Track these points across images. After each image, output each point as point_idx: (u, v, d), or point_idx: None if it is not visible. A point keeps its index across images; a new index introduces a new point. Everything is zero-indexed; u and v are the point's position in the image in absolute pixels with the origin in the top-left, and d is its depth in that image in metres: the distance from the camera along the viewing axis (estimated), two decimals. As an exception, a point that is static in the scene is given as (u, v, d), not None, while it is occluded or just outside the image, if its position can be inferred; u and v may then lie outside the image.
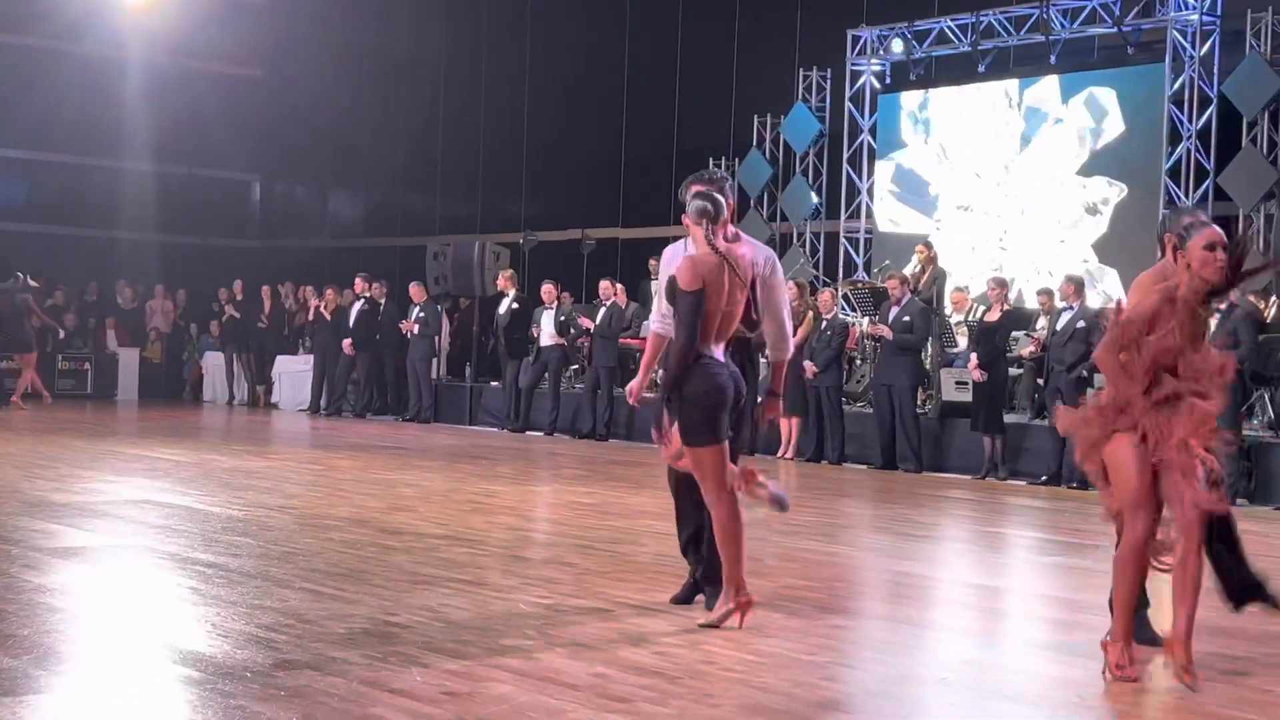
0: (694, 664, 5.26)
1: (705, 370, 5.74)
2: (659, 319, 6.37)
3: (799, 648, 5.63)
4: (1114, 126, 17.49)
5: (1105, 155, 17.56)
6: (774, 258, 6.39)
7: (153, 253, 26.06)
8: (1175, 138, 16.90)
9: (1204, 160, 16.75)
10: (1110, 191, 17.48)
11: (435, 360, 19.93)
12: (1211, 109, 16.67)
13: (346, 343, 20.02)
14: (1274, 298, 14.37)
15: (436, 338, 19.77)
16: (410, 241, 25.80)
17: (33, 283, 20.19)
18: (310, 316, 21.27)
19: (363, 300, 20.24)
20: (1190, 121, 16.80)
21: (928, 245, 16.89)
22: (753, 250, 6.14)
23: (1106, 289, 16.90)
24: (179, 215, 27.41)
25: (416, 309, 19.63)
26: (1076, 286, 13.62)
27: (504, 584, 6.78)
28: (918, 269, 16.50)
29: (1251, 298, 13.45)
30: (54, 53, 25.96)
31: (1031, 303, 15.44)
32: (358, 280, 20.47)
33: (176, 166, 27.63)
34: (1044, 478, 13.49)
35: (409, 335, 19.60)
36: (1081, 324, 13.18)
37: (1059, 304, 13.88)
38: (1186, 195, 16.67)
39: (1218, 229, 5.42)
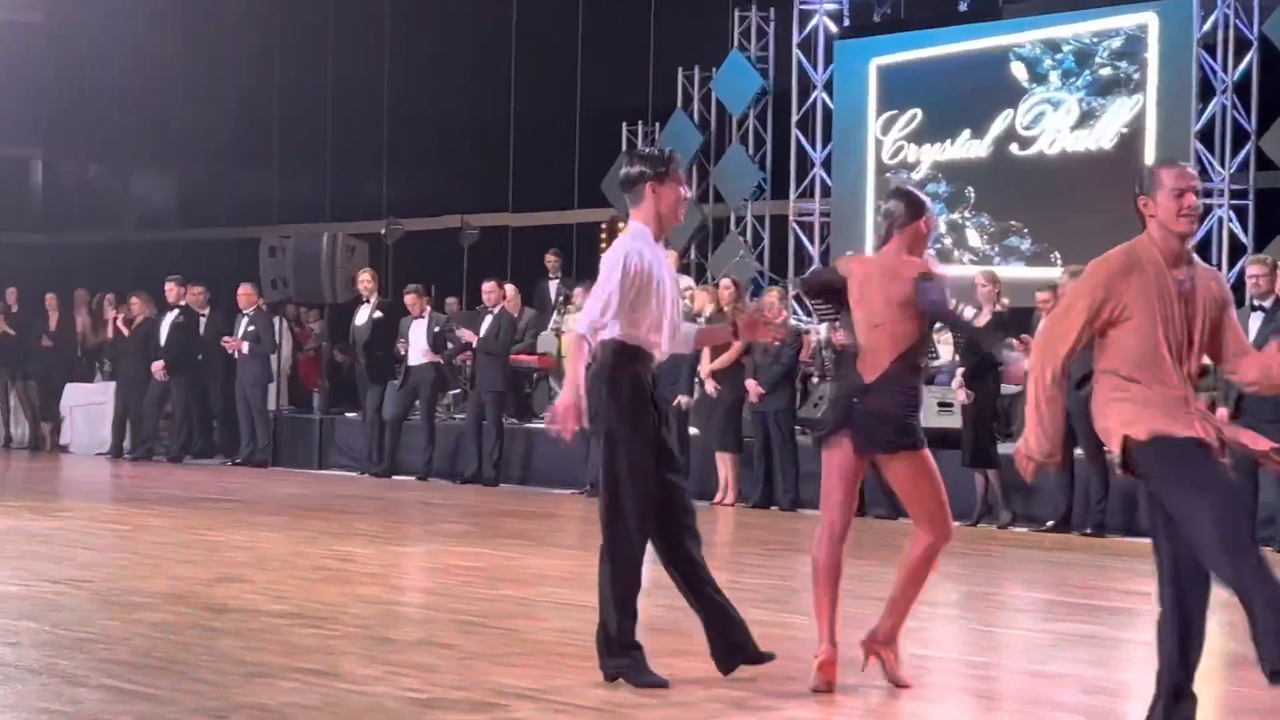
0: (609, 772, 5.25)
1: None
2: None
3: (743, 748, 5.62)
4: (1134, 80, 17.73)
5: (1119, 116, 17.80)
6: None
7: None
8: (1207, 92, 17.15)
9: (1243, 119, 17.02)
10: (1128, 162, 17.71)
11: (272, 386, 19.77)
12: (1251, 55, 16.94)
13: (157, 365, 19.83)
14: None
15: (273, 357, 19.62)
16: (240, 233, 25.61)
17: None
18: (110, 333, 21.03)
19: (177, 311, 20.05)
20: (1225, 71, 17.06)
21: None
22: None
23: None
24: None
25: (246, 320, 19.47)
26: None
27: (364, 674, 6.73)
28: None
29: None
30: None
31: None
32: (170, 284, 20.28)
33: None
34: (1050, 523, 13.61)
35: (237, 355, 19.44)
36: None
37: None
38: (1221, 164, 16.94)
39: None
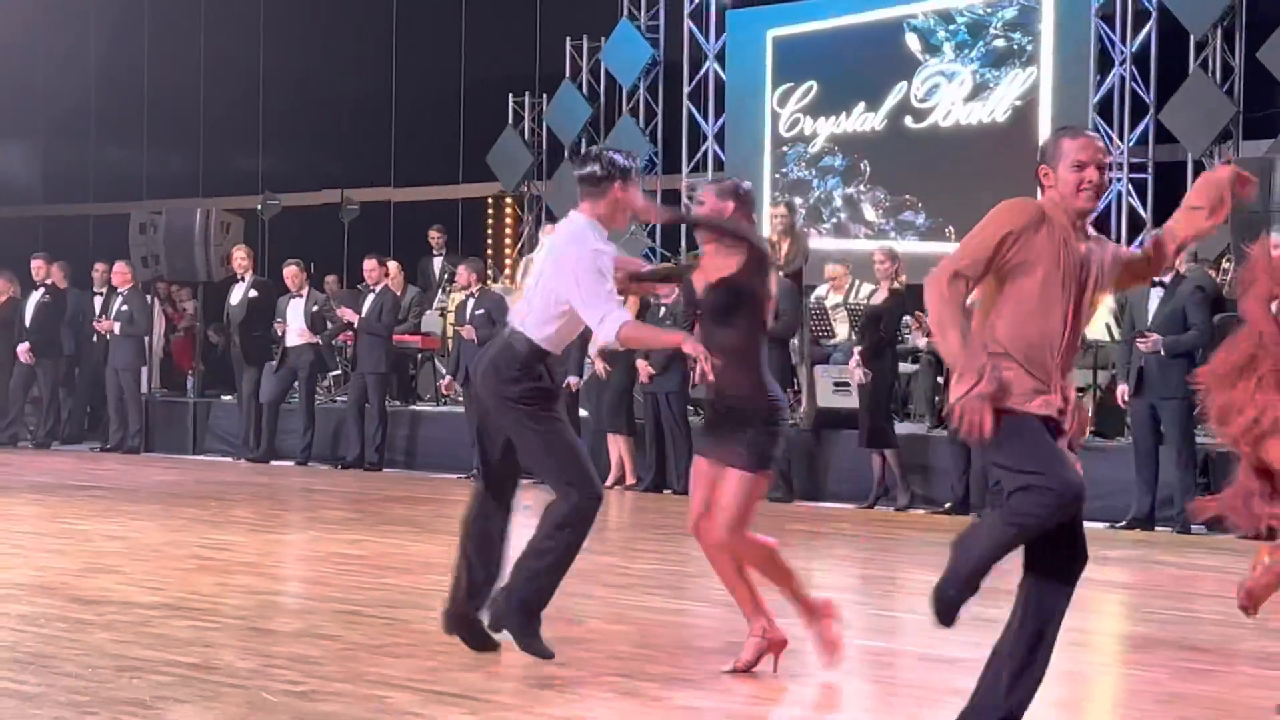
0: (498, 765, 5.25)
1: None
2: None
3: (636, 738, 5.64)
4: (1027, 51, 17.92)
5: (1013, 88, 18.00)
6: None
7: None
8: (1106, 63, 17.37)
9: (1142, 91, 17.24)
10: (1022, 135, 17.90)
11: (145, 369, 19.59)
12: (1150, 25, 17.16)
13: (23, 348, 19.60)
14: (1228, 264, 14.82)
15: (146, 338, 19.44)
16: (108, 209, 25.33)
17: None
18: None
19: (43, 290, 19.83)
20: (1124, 43, 17.27)
21: (790, 208, 17.18)
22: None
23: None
24: None
25: (119, 300, 19.28)
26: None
27: (241, 667, 6.71)
28: (774, 239, 16.68)
29: (1205, 266, 13.88)
30: None
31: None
32: (37, 262, 20.05)
33: None
34: (947, 504, 13.75)
35: (108, 336, 19.25)
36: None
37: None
38: (1120, 137, 17.15)
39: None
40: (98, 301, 19.57)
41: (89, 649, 7.05)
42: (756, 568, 6.90)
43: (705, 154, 20.56)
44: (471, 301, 16.25)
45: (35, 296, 19.84)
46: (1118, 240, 16.76)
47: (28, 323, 19.74)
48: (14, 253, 21.47)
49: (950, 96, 18.59)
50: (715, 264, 6.84)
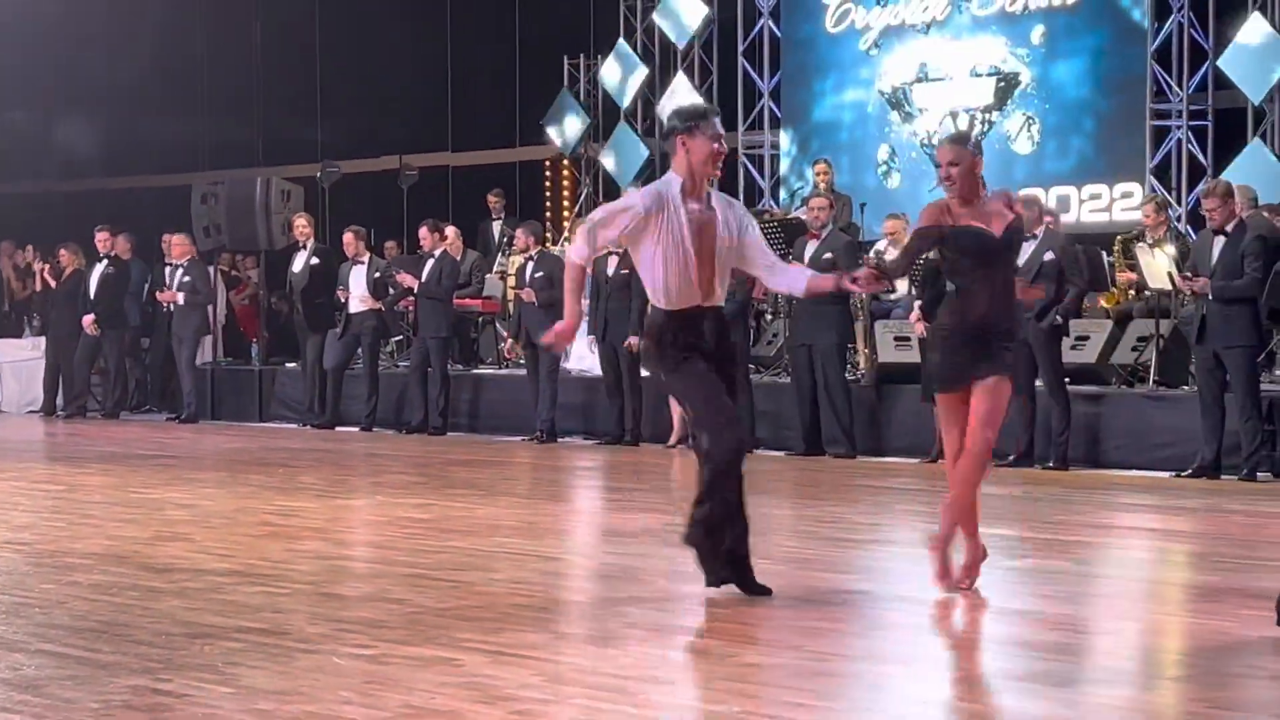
0: (567, 725, 5.27)
1: None
2: None
3: (699, 695, 5.64)
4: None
5: (1071, 34, 17.86)
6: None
7: None
8: (1163, 8, 17.20)
9: (1200, 38, 17.07)
10: (1081, 85, 17.76)
11: (209, 338, 19.72)
12: (1208, -33, 17.00)
13: (88, 319, 19.74)
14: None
15: (210, 307, 19.55)
16: (169, 180, 25.44)
17: None
18: (37, 286, 20.90)
19: (107, 261, 19.95)
20: (1181, -14, 17.11)
21: (829, 164, 17.16)
22: None
23: (1084, 211, 17.24)
24: None
25: (180, 270, 19.37)
26: (1039, 210, 13.77)
27: (312, 632, 6.74)
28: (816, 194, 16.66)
29: (1265, 213, 13.74)
30: None
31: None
32: (101, 234, 20.17)
33: None
34: (1011, 457, 13.68)
35: (170, 307, 19.34)
36: (1050, 256, 13.33)
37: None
38: (1179, 84, 17.00)
39: None
40: (168, 272, 19.66)
41: (161, 616, 7.10)
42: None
43: (761, 111, 20.49)
44: (531, 264, 16.29)
45: (100, 268, 19.97)
46: (1178, 187, 16.70)
47: (92, 294, 19.88)
48: (78, 226, 21.61)
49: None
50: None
